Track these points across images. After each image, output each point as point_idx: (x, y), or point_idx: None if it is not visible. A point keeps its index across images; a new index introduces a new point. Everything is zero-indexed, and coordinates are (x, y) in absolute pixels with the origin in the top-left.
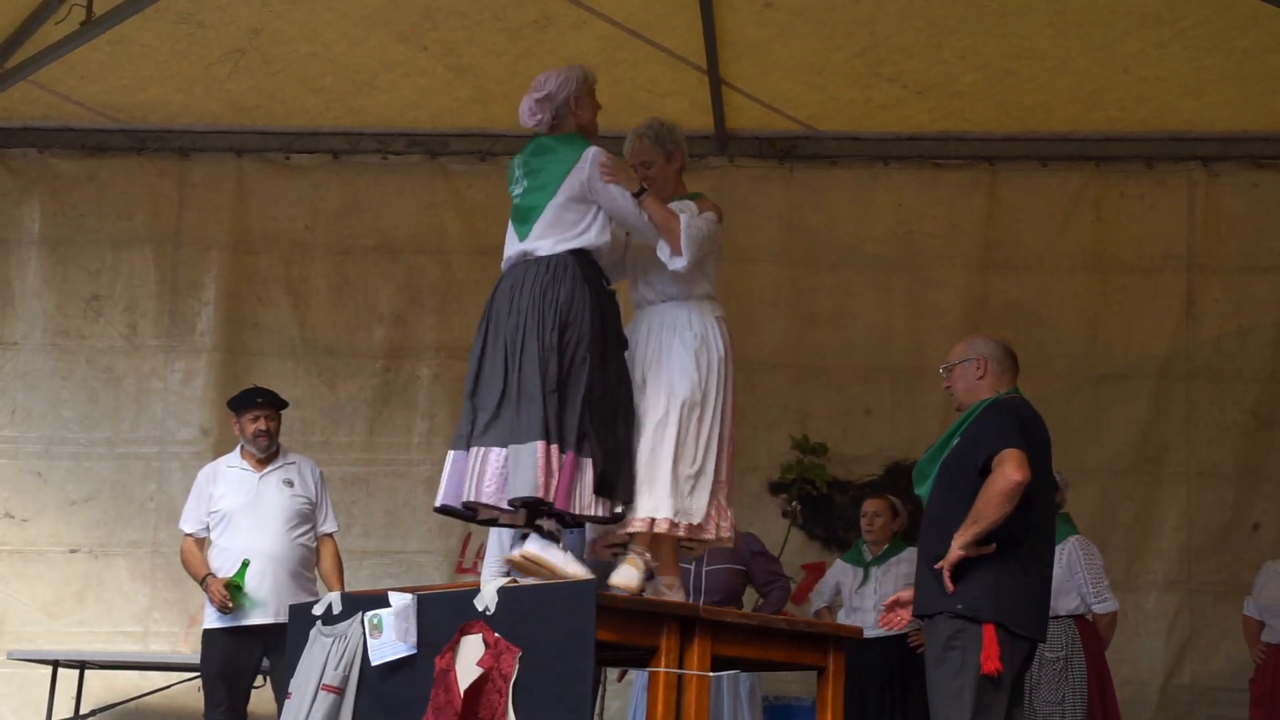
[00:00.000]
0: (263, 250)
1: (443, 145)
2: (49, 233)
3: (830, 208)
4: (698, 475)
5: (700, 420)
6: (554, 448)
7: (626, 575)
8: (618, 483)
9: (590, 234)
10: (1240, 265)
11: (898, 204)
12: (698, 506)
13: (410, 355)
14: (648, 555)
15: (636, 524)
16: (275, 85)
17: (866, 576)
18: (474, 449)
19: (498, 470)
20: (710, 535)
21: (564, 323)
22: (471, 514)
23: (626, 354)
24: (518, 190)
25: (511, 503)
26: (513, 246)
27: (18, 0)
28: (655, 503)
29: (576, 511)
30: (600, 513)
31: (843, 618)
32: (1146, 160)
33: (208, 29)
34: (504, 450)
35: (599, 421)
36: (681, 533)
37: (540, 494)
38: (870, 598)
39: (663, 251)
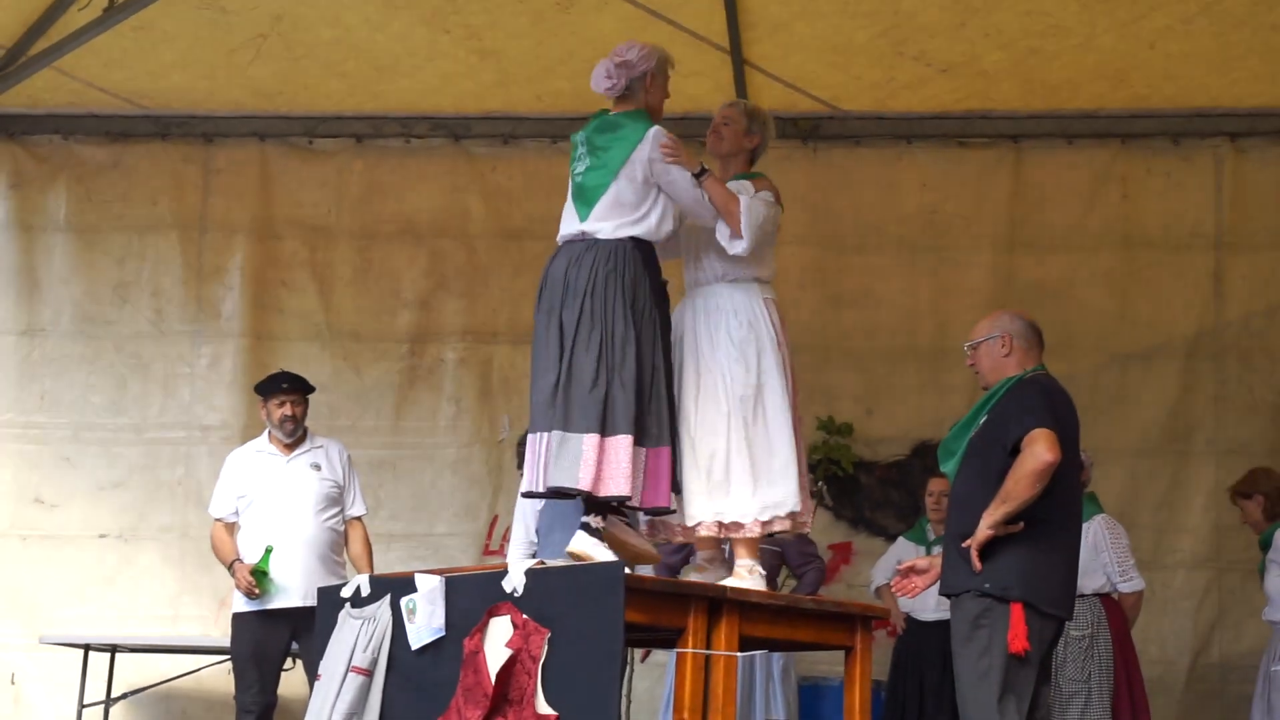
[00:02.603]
0: (287, 235)
1: (466, 129)
2: (75, 219)
3: (855, 188)
4: (781, 465)
5: (762, 410)
6: (620, 439)
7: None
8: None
9: (650, 220)
10: (1268, 242)
11: (922, 184)
12: (787, 496)
13: (435, 339)
14: (750, 562)
15: (706, 529)
16: (298, 70)
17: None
18: (540, 433)
19: (552, 455)
20: (806, 523)
21: (631, 312)
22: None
23: (672, 339)
24: (580, 168)
25: (549, 489)
26: (571, 225)
27: None
28: (726, 505)
29: (655, 504)
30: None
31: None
32: (1173, 137)
33: (230, 14)
34: (554, 435)
35: (671, 412)
36: (774, 527)
37: (583, 487)
38: None
39: (722, 234)
